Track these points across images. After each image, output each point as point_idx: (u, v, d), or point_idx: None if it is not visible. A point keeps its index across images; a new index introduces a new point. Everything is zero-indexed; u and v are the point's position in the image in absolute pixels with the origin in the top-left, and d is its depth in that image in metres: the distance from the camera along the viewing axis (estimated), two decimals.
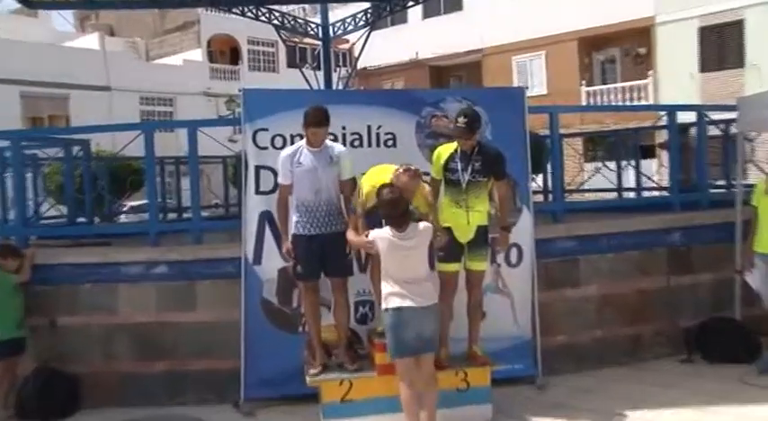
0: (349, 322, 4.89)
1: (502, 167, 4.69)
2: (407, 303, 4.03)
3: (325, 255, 4.61)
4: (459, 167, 4.60)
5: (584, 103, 21.80)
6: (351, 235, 4.46)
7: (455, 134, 4.63)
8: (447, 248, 4.61)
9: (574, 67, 22.61)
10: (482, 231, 4.70)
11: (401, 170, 4.44)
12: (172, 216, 10.15)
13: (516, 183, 5.43)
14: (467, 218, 4.63)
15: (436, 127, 5.40)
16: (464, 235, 4.67)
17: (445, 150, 4.71)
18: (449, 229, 4.65)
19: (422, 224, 4.25)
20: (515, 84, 22.57)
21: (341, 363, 4.72)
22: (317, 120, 4.51)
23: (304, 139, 4.68)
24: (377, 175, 4.57)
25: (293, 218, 4.67)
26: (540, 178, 8.56)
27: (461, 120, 4.53)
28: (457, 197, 4.63)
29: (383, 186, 4.27)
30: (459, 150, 4.64)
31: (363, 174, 4.80)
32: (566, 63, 22.54)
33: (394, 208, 4.11)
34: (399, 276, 4.08)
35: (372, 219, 4.44)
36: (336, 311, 4.78)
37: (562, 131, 6.61)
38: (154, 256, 5.54)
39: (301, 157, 4.59)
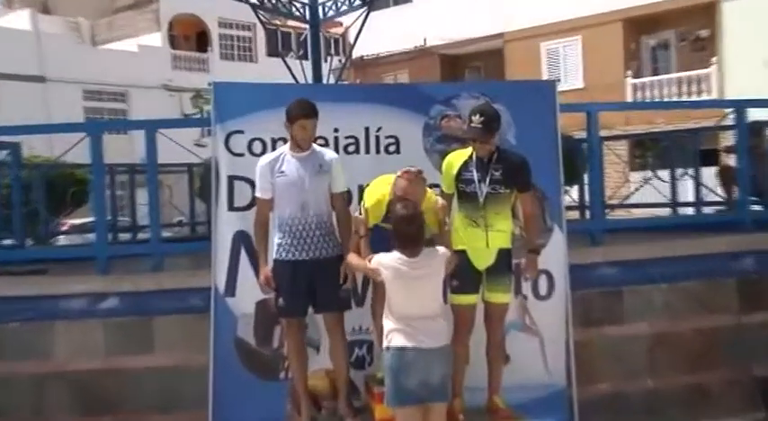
0: (348, 367, 4.95)
1: (527, 177, 4.77)
2: (412, 343, 4.10)
3: (314, 285, 4.67)
4: (476, 177, 4.66)
5: (629, 99, 21.94)
6: (353, 258, 4.52)
7: (470, 136, 4.72)
8: (461, 276, 4.68)
9: (618, 54, 22.79)
10: (504, 255, 4.76)
11: (399, 173, 4.51)
12: (124, 237, 10.21)
13: (545, 196, 5.49)
14: (486, 239, 4.69)
15: (448, 129, 5.47)
16: (482, 260, 4.74)
17: (457, 158, 4.80)
18: (463, 253, 4.71)
19: (440, 249, 4.33)
20: (545, 76, 22.73)
21: (340, 417, 4.77)
22: (305, 112, 4.59)
23: (287, 145, 4.75)
24: (382, 187, 4.67)
25: (275, 239, 4.73)
26: (574, 191, 8.61)
27: (477, 118, 4.61)
28: (473, 214, 4.69)
29: (396, 200, 4.35)
30: (474, 157, 4.72)
31: (361, 187, 4.92)
32: (608, 50, 22.70)
33: (409, 224, 4.18)
34: (405, 311, 4.16)
35: (374, 238, 4.53)
36: (333, 354, 4.83)
37: (603, 134, 6.70)
38: (102, 287, 5.59)
39: (284, 165, 4.67)
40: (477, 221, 4.67)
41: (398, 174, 4.51)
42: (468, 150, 4.76)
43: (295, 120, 4.60)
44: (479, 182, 4.65)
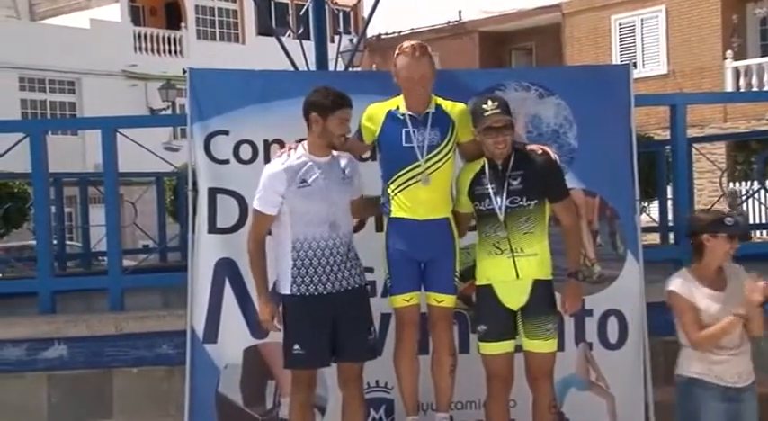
0: None
1: (556, 180, 4.83)
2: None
3: (340, 325, 4.71)
4: (491, 190, 4.73)
5: (729, 88, 21.80)
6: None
7: (486, 127, 4.68)
8: (488, 318, 4.77)
9: (714, 29, 22.64)
10: (542, 288, 4.79)
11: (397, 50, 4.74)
12: (74, 266, 10.27)
13: (616, 215, 5.50)
14: (514, 268, 4.73)
15: None
16: (513, 296, 4.78)
17: (468, 170, 4.90)
18: (488, 289, 4.79)
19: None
20: (616, 59, 22.79)
21: None
22: (347, 100, 4.69)
23: (299, 148, 4.78)
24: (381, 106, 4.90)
25: (286, 269, 4.73)
26: (654, 208, 8.57)
27: (490, 105, 4.66)
28: (494, 237, 4.75)
29: None
30: (486, 166, 4.80)
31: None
32: (700, 23, 22.60)
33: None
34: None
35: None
36: (348, 416, 4.86)
37: (693, 134, 6.63)
38: (45, 331, 5.54)
39: (308, 174, 4.71)
40: (501, 246, 4.72)
41: (396, 51, 4.71)
42: (480, 160, 4.84)
43: (334, 111, 4.65)
44: (495, 195, 4.71)
